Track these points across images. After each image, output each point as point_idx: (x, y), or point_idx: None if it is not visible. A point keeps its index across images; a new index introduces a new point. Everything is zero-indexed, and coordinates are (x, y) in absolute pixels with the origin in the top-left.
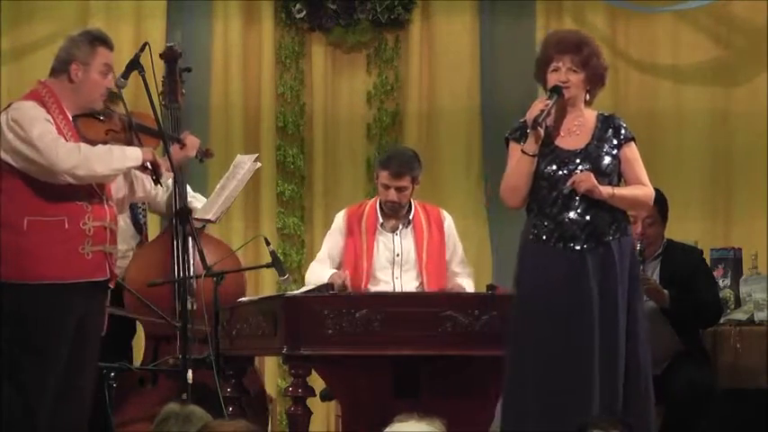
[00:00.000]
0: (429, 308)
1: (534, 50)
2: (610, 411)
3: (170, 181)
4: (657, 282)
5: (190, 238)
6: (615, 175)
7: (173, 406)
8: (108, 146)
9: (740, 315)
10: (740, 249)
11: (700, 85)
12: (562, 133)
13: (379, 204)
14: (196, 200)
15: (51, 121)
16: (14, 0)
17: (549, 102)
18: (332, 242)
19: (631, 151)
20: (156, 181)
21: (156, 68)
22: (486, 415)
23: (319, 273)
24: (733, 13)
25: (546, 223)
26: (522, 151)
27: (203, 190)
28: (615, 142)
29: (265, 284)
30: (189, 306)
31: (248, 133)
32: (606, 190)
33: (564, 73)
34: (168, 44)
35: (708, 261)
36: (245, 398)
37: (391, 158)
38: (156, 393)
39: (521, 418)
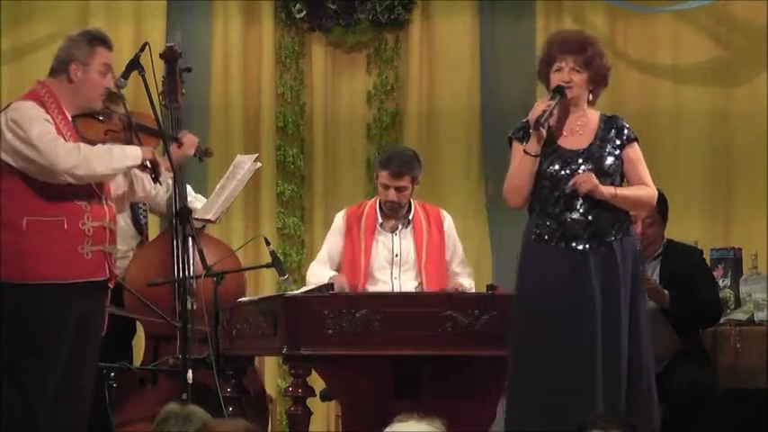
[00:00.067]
0: (429, 308)
1: (534, 50)
2: (612, 412)
3: (170, 181)
4: (657, 282)
5: (190, 238)
6: (617, 175)
7: (173, 406)
8: (107, 145)
9: (740, 315)
10: (740, 249)
11: (699, 85)
12: (565, 133)
13: (379, 204)
14: (197, 201)
15: (50, 121)
16: (14, 0)
17: (551, 102)
18: (331, 242)
19: (634, 152)
20: (156, 179)
21: (156, 68)
22: (486, 415)
23: (319, 274)
24: (733, 13)
25: (548, 223)
26: (525, 151)
27: (203, 190)
28: (618, 143)
29: (265, 284)
30: (189, 306)
31: (248, 133)
32: (608, 190)
33: (567, 73)
34: (168, 44)
35: (708, 261)
36: (245, 398)
37: (391, 158)
38: (156, 393)
39: (523, 418)
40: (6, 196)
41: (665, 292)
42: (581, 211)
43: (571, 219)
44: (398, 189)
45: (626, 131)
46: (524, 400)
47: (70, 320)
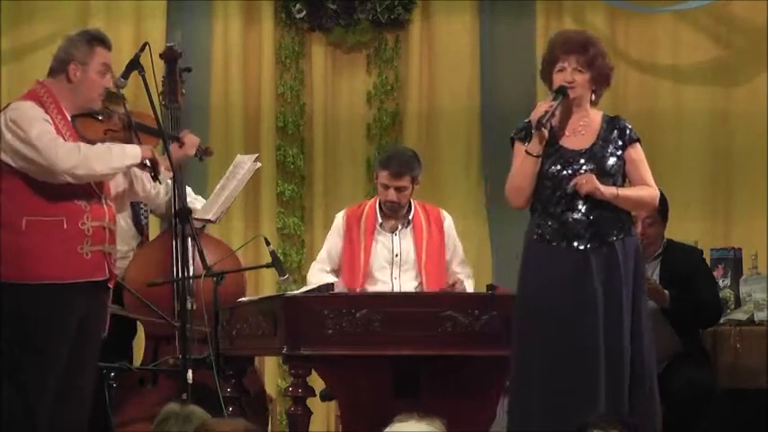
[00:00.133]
0: (429, 308)
1: (534, 50)
2: (615, 412)
3: (169, 182)
4: (657, 282)
5: (189, 238)
6: (619, 175)
7: (173, 406)
8: (107, 144)
9: (740, 315)
10: (740, 249)
11: (700, 85)
12: (567, 133)
13: (379, 204)
14: (197, 202)
15: (50, 121)
16: (14, 0)
17: (553, 103)
18: (331, 242)
19: (636, 152)
20: (155, 178)
21: (156, 68)
22: (486, 415)
23: (320, 277)
24: (733, 13)
25: (550, 223)
26: (526, 152)
27: (203, 190)
28: (620, 143)
29: (265, 284)
30: (189, 306)
31: (248, 133)
32: (610, 191)
33: (569, 73)
34: (168, 44)
35: (708, 261)
36: (245, 398)
37: (391, 158)
38: (156, 393)
39: (526, 418)
40: (6, 196)
41: (666, 292)
42: (582, 211)
43: (573, 219)
44: (398, 189)
45: (628, 132)
46: (527, 400)
47: (70, 320)
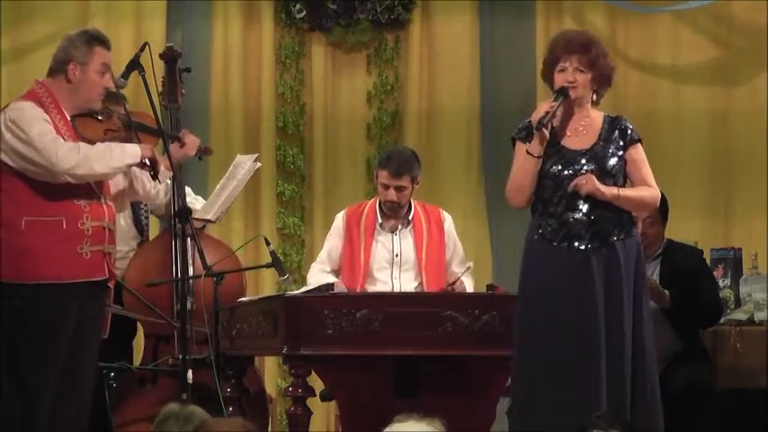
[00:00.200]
0: (429, 308)
1: (534, 50)
2: (616, 412)
3: (169, 182)
4: (657, 282)
5: (189, 238)
6: (621, 175)
7: (173, 406)
8: (107, 143)
9: (740, 315)
10: (740, 249)
11: (699, 85)
12: (568, 133)
13: (379, 204)
14: (197, 202)
15: (49, 121)
16: (14, 0)
17: (554, 103)
18: (331, 243)
19: (637, 153)
20: (154, 176)
21: (156, 68)
22: (486, 415)
23: (319, 277)
24: (733, 13)
25: (551, 223)
26: (527, 152)
27: (203, 190)
28: (621, 143)
29: (265, 284)
30: (188, 306)
31: (248, 133)
32: (611, 191)
33: (571, 73)
34: (168, 44)
35: (708, 261)
36: (245, 398)
37: (390, 158)
38: (156, 393)
39: (527, 419)
40: (5, 196)
41: (666, 292)
42: (583, 211)
43: (573, 219)
44: (398, 189)
45: (630, 132)
46: (528, 401)
47: (69, 320)
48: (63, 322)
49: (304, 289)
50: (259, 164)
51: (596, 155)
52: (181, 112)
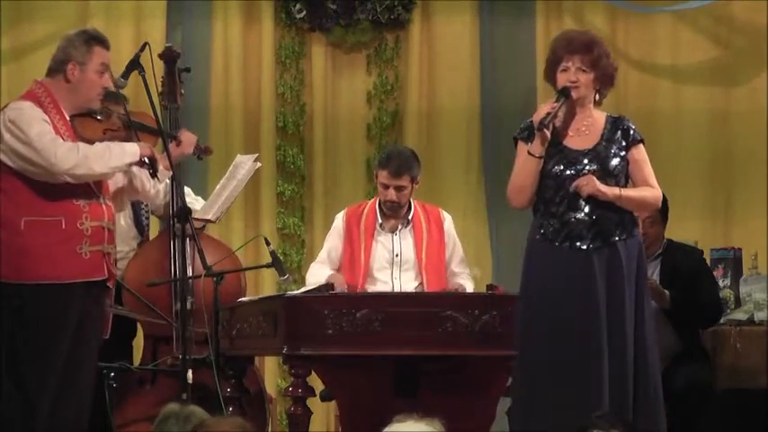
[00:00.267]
0: (429, 308)
1: (534, 50)
2: (619, 412)
3: (168, 181)
4: (657, 282)
5: (189, 238)
6: (623, 176)
7: (173, 406)
8: (105, 143)
9: (740, 315)
10: (740, 249)
11: (699, 85)
12: (571, 133)
13: (379, 205)
14: (197, 203)
15: (48, 121)
16: (14, 0)
17: (555, 104)
18: (331, 243)
19: (639, 153)
20: (153, 174)
21: (155, 68)
22: (486, 415)
23: (317, 273)
24: (733, 14)
25: (552, 223)
26: (529, 153)
27: (203, 190)
28: (624, 144)
29: (265, 284)
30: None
31: (248, 133)
32: (613, 191)
33: (573, 73)
34: (167, 44)
35: (708, 261)
36: (245, 398)
37: (390, 158)
38: (156, 393)
39: (529, 419)
40: (5, 196)
41: (666, 292)
42: (585, 210)
43: (575, 218)
44: (398, 188)
45: (632, 133)
46: (530, 401)
47: (69, 320)
48: (63, 322)
49: (304, 289)
50: (259, 164)
51: (598, 155)
52: (180, 112)
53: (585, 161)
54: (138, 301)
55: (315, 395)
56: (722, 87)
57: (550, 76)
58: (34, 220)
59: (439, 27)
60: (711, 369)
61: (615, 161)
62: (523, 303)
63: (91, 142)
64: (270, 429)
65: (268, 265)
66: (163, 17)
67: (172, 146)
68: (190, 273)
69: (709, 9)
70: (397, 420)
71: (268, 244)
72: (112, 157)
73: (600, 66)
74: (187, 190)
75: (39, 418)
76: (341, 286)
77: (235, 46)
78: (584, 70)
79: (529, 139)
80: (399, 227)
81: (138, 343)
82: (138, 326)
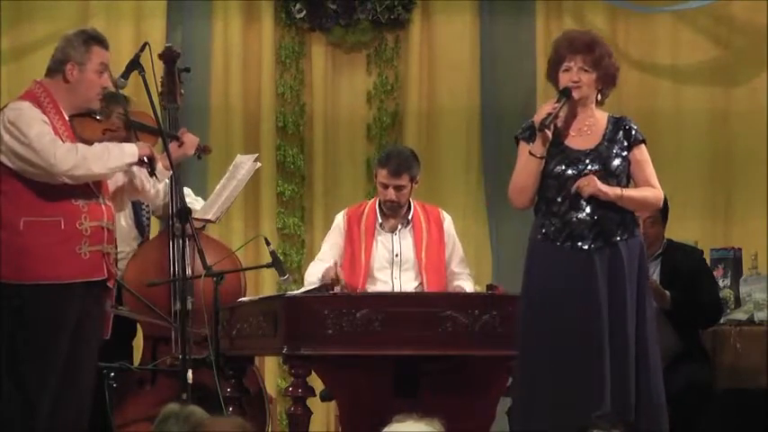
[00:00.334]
0: (429, 308)
1: (534, 50)
2: (621, 413)
3: (167, 181)
4: (658, 282)
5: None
6: (624, 176)
7: (173, 406)
8: (104, 144)
9: (740, 315)
10: (740, 249)
11: (699, 85)
12: (572, 133)
13: (379, 204)
14: (197, 203)
15: (47, 121)
16: (14, 0)
17: (557, 104)
18: (331, 242)
19: (641, 153)
20: (152, 173)
21: (156, 68)
22: (486, 415)
23: (313, 270)
24: (733, 14)
25: (554, 222)
26: (530, 153)
27: (203, 189)
28: (626, 144)
29: (265, 284)
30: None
31: (248, 133)
32: (614, 191)
33: (575, 72)
34: (167, 44)
35: (708, 261)
36: (245, 398)
37: (389, 157)
38: (156, 393)
39: (530, 419)
40: (4, 197)
41: (666, 292)
42: (587, 210)
43: (577, 218)
44: (397, 188)
45: (634, 133)
46: (531, 401)
47: (69, 320)
48: (62, 322)
49: (304, 289)
50: (259, 164)
51: (600, 155)
52: (180, 112)
53: (587, 161)
54: (138, 301)
55: (315, 395)
56: (722, 87)
57: (552, 75)
58: (33, 220)
59: (439, 27)
60: (711, 369)
61: (617, 161)
62: (525, 303)
63: (90, 142)
64: (270, 429)
65: (268, 265)
66: (163, 17)
67: (173, 146)
68: (189, 273)
69: (709, 9)
70: (397, 420)
71: (268, 244)
72: (111, 158)
73: (602, 66)
74: (187, 190)
75: (39, 418)
76: (333, 272)
77: (235, 46)
78: (586, 70)
79: (530, 138)
80: (399, 227)
81: (138, 343)
82: (138, 326)
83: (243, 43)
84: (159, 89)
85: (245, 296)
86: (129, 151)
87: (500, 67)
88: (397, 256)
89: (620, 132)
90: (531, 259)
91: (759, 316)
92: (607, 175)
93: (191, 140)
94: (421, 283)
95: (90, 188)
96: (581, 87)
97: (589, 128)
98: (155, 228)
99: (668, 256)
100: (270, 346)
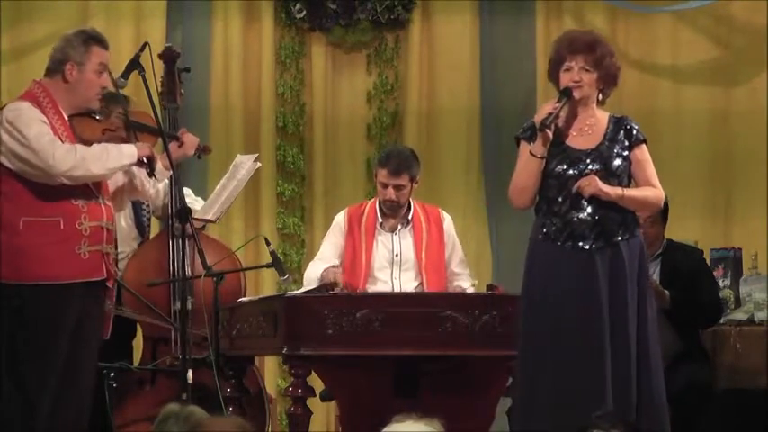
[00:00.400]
0: (429, 308)
1: (534, 50)
2: (622, 413)
3: (167, 181)
4: (658, 282)
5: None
6: (625, 176)
7: (173, 406)
8: (103, 145)
9: (740, 315)
10: (740, 249)
11: (699, 85)
12: (573, 133)
13: (379, 204)
14: (197, 203)
15: (46, 121)
16: (14, 0)
17: (557, 105)
18: (331, 241)
19: (642, 153)
20: (151, 173)
21: (155, 68)
22: (485, 415)
23: (312, 270)
24: (733, 14)
25: (555, 222)
26: (531, 153)
27: (203, 189)
28: (627, 144)
29: (265, 284)
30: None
31: (248, 133)
32: (615, 191)
33: (577, 72)
34: (167, 44)
35: (708, 261)
36: (245, 398)
37: (389, 157)
38: (156, 393)
39: (530, 419)
40: (4, 197)
41: (666, 292)
42: (588, 210)
43: (578, 218)
44: (397, 188)
45: (635, 133)
46: (531, 401)
47: (68, 320)
48: (62, 322)
49: (304, 289)
50: (259, 164)
51: (601, 155)
52: (180, 112)
53: (588, 161)
54: (138, 301)
55: (315, 395)
56: (722, 87)
57: (553, 75)
58: (33, 220)
59: (439, 27)
60: (711, 369)
61: (618, 161)
62: (525, 303)
63: (90, 142)
64: (270, 429)
65: (268, 265)
66: (163, 17)
67: (173, 146)
68: (189, 273)
69: (709, 9)
70: (397, 420)
71: (268, 244)
72: (110, 159)
73: (603, 65)
74: (187, 190)
75: (39, 418)
76: (333, 275)
77: (235, 46)
78: (587, 70)
79: (531, 138)
80: (399, 226)
81: (138, 343)
82: (138, 326)
83: (243, 43)
84: (159, 89)
85: (245, 296)
86: (128, 152)
87: (500, 67)
88: (397, 255)
89: (621, 132)
90: (531, 259)
91: (759, 316)
92: (608, 174)
93: (191, 140)
94: (421, 283)
95: (89, 188)
96: (582, 87)
97: (590, 128)
98: (155, 228)
99: (668, 256)
100: (270, 346)
